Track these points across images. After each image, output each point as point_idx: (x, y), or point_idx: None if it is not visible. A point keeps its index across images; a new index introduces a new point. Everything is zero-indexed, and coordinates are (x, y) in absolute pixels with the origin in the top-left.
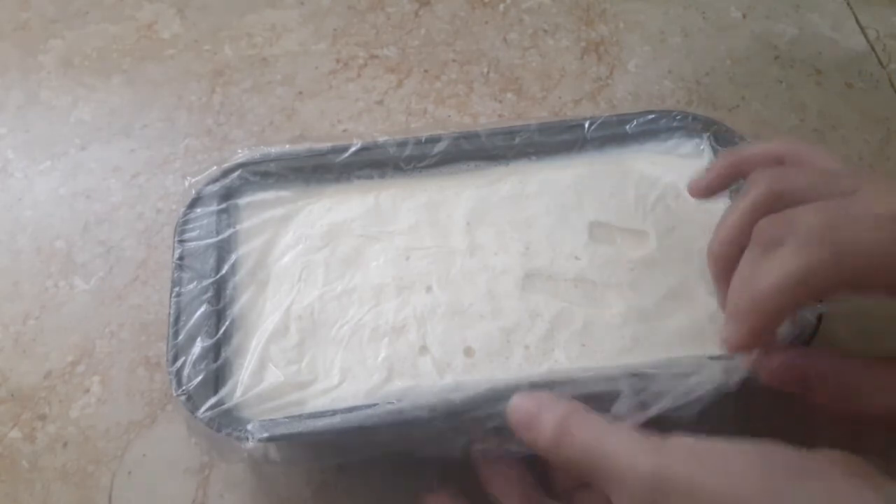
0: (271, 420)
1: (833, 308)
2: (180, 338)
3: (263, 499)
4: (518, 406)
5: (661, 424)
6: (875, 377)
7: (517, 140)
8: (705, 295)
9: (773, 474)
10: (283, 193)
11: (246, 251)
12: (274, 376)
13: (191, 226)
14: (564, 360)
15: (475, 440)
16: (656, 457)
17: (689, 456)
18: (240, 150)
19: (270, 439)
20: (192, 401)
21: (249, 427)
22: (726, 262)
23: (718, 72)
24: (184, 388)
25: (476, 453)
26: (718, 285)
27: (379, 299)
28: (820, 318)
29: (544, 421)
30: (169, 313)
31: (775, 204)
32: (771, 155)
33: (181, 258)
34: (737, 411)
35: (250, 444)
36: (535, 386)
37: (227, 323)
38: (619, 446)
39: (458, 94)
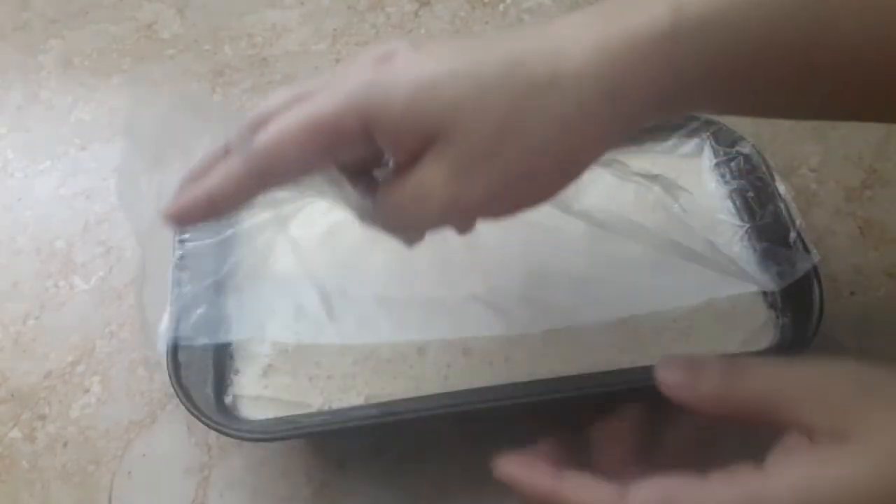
0: None
1: (834, 309)
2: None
3: (264, 498)
4: (672, 369)
5: None
6: None
7: None
8: (704, 294)
9: None
10: (283, 193)
11: (246, 251)
12: (274, 375)
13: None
14: (563, 359)
15: None
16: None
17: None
18: None
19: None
20: (193, 400)
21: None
22: None
23: None
24: (184, 387)
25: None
26: None
27: (379, 299)
28: (820, 319)
29: (709, 372)
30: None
31: None
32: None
33: (181, 258)
34: None
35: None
36: (534, 386)
37: (227, 323)
38: (805, 370)
39: None
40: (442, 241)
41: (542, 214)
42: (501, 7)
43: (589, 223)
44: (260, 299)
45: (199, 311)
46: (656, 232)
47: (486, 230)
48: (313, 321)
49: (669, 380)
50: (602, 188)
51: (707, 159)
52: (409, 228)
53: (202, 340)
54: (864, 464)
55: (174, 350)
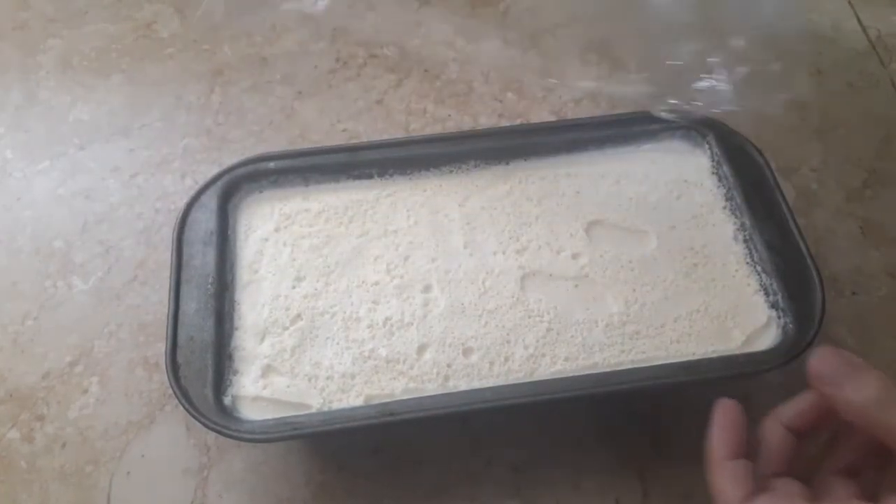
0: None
1: (835, 308)
2: (179, 338)
3: (263, 499)
4: (827, 359)
5: None
6: None
7: (517, 140)
8: (705, 294)
9: None
10: (283, 193)
11: (246, 251)
12: (273, 376)
13: (190, 225)
14: (563, 359)
15: None
16: None
17: None
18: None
19: None
20: (191, 401)
21: None
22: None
23: None
24: (182, 388)
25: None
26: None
27: (378, 299)
28: (821, 319)
29: (865, 381)
30: (168, 313)
31: None
32: None
33: (181, 258)
34: None
35: None
36: (534, 386)
37: (226, 323)
38: None
39: (458, 94)
40: (443, 244)
41: None
42: (502, 7)
43: None
44: None
45: None
46: None
47: (488, 241)
48: None
49: (823, 371)
50: (603, 189)
51: (707, 159)
52: None
53: None
54: None
55: (173, 350)
